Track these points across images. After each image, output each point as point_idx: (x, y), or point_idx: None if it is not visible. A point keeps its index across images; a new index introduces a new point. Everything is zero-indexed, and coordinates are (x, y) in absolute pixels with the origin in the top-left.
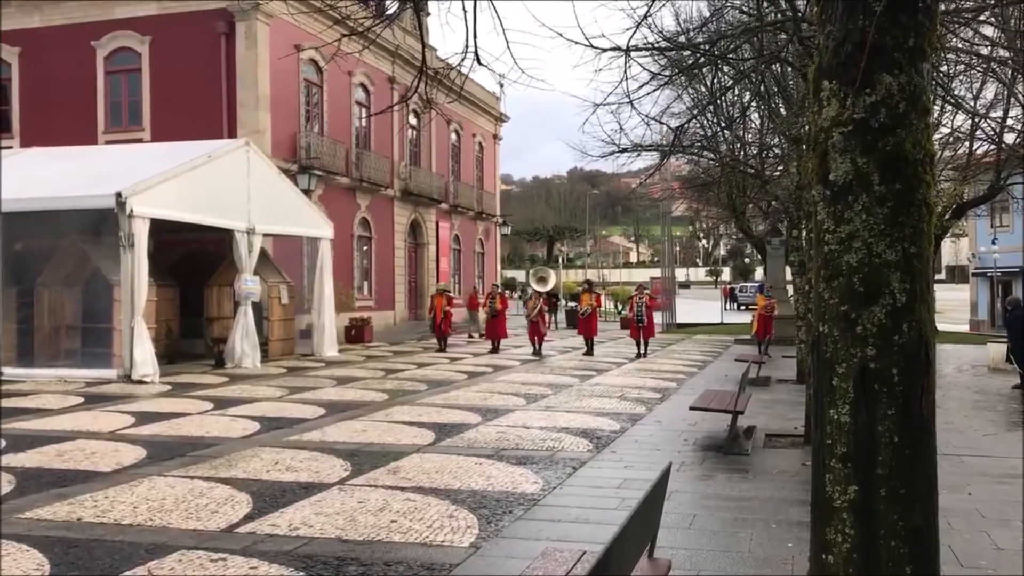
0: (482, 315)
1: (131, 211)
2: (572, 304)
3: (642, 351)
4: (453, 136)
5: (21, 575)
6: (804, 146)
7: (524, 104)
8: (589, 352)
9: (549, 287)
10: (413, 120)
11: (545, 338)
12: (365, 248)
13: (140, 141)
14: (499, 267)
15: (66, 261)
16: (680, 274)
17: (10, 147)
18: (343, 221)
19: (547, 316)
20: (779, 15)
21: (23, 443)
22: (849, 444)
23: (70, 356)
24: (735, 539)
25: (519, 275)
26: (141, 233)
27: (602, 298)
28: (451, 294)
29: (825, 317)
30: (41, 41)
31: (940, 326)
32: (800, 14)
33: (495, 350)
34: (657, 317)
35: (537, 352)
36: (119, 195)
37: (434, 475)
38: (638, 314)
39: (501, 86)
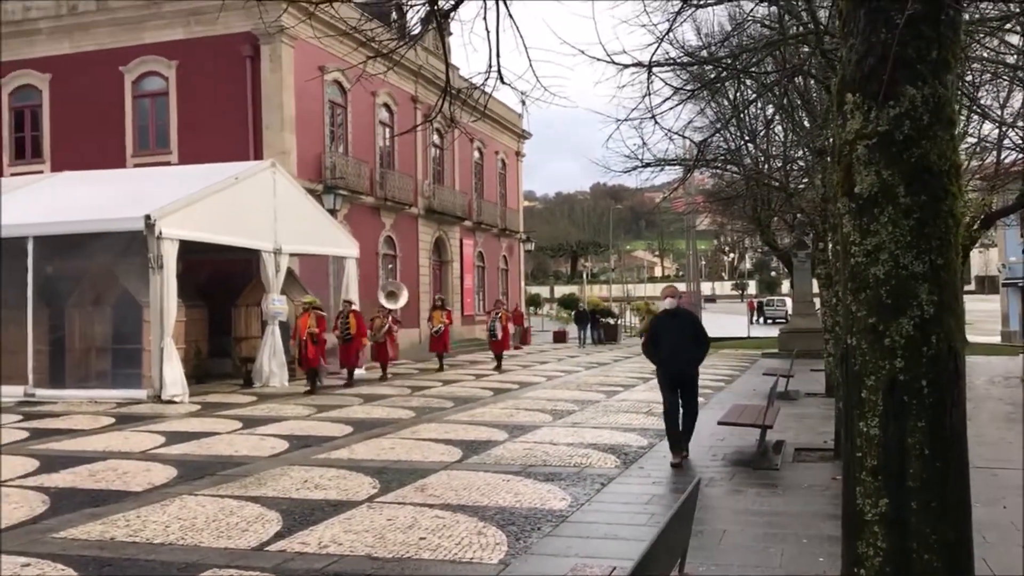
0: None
1: (160, 233)
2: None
3: (498, 364)
4: (476, 154)
5: None
6: (829, 158)
7: (535, 121)
8: (440, 368)
9: (400, 304)
10: (436, 139)
11: (392, 360)
12: (390, 266)
13: (168, 164)
14: (523, 283)
15: (96, 283)
16: (706, 288)
17: (41, 171)
18: (368, 240)
19: (396, 336)
20: (801, 28)
21: (56, 464)
22: (879, 457)
23: (101, 377)
24: (766, 554)
25: (543, 291)
26: (170, 255)
27: (452, 315)
28: (321, 312)
29: (853, 329)
30: (71, 67)
31: (970, 337)
32: (822, 27)
33: (349, 382)
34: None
35: (383, 375)
36: (148, 217)
37: (462, 492)
38: (491, 329)
39: (524, 104)
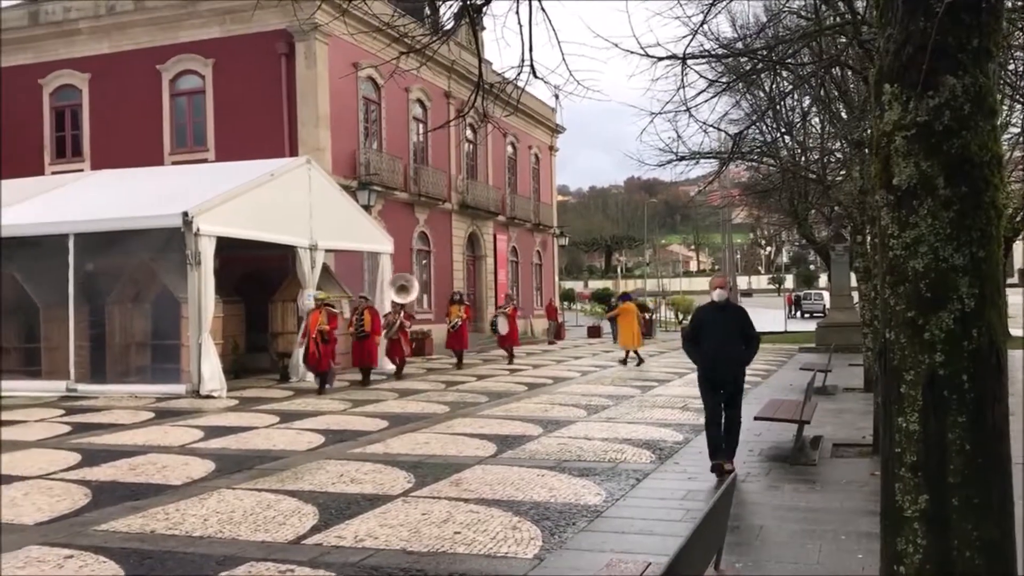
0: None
1: (197, 230)
2: (645, 315)
3: (510, 358)
4: (509, 148)
5: None
6: (867, 150)
7: (568, 115)
8: (459, 365)
9: (411, 298)
10: (470, 134)
11: (406, 357)
12: (424, 262)
13: (205, 161)
14: (557, 278)
15: (135, 280)
16: (742, 282)
17: (81, 170)
18: (402, 235)
19: (409, 332)
20: (838, 18)
21: (97, 457)
22: (919, 453)
23: (140, 372)
24: (803, 550)
25: (577, 286)
26: (207, 251)
27: (471, 309)
28: (335, 308)
29: (892, 324)
30: (110, 66)
31: (1013, 331)
32: (859, 17)
33: (365, 381)
34: None
35: (398, 374)
36: (186, 214)
37: (496, 487)
38: (493, 324)
39: (557, 98)
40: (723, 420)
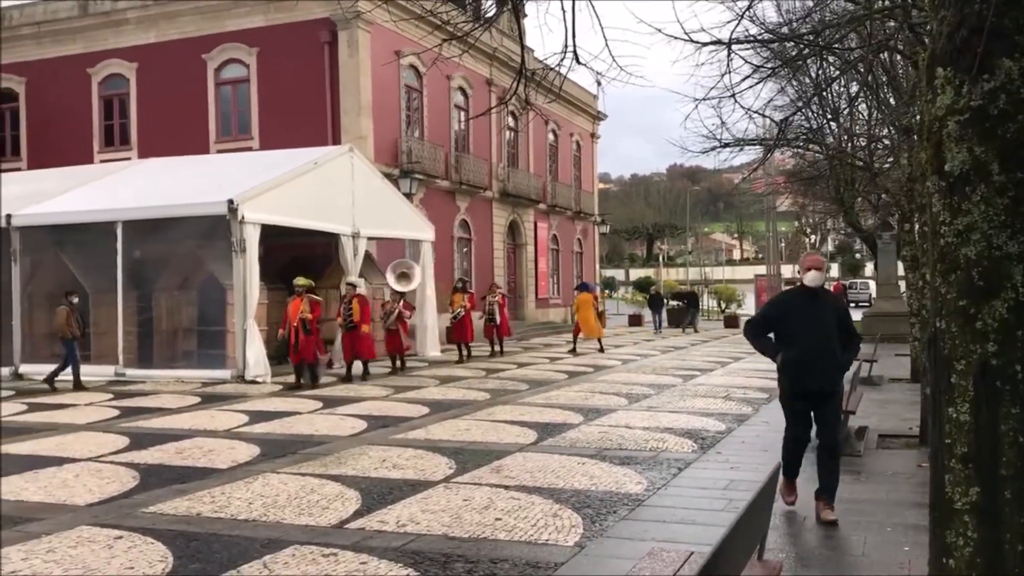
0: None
1: (242, 217)
2: (675, 303)
3: (497, 349)
4: (551, 136)
5: (147, 566)
6: (916, 136)
7: (609, 101)
8: (462, 359)
9: (412, 286)
10: (511, 121)
11: (407, 349)
12: (465, 250)
13: (249, 149)
14: (598, 266)
15: (182, 266)
16: (786, 271)
17: (129, 158)
18: (443, 223)
19: (408, 323)
20: (887, 2)
21: (145, 441)
22: (970, 444)
23: (187, 358)
24: (848, 542)
25: (618, 274)
26: (252, 238)
27: (475, 298)
28: (316, 297)
29: (942, 312)
30: (156, 56)
31: None
32: (909, 0)
33: (347, 377)
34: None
35: (400, 367)
36: (231, 202)
37: (537, 474)
38: (490, 314)
39: (599, 84)
40: (808, 443)
